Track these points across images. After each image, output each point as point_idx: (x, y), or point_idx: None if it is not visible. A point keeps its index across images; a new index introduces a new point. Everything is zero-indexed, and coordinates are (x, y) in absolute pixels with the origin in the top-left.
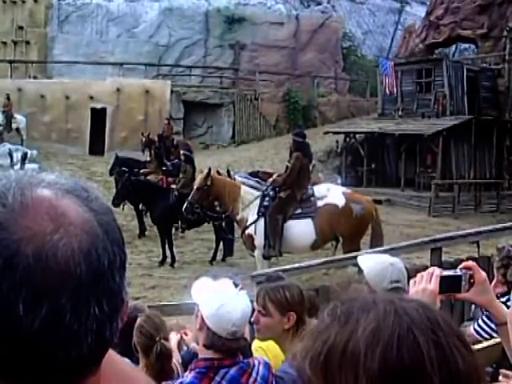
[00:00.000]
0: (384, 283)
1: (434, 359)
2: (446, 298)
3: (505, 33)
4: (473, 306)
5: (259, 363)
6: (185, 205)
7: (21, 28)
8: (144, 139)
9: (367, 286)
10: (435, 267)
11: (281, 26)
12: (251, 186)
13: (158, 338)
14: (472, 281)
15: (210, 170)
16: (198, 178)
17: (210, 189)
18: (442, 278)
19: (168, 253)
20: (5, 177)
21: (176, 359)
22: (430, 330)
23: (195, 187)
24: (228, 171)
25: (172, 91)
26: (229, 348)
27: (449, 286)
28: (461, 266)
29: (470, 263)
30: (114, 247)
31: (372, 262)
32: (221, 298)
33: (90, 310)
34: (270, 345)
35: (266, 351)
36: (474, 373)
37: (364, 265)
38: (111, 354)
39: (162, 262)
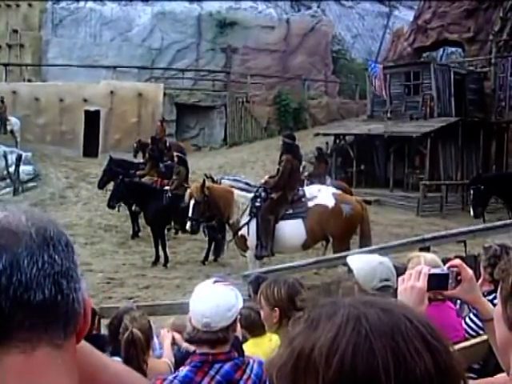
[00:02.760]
0: (374, 282)
1: (391, 367)
2: (433, 295)
3: (491, 37)
4: (458, 303)
5: (254, 361)
6: (188, 224)
7: (15, 32)
8: (135, 144)
9: (357, 286)
10: (423, 265)
11: (272, 30)
12: (241, 189)
13: (130, 327)
14: (459, 278)
15: (204, 181)
16: (193, 190)
17: (209, 199)
18: (430, 276)
19: (161, 253)
20: None
21: (169, 358)
22: (390, 336)
23: (193, 201)
24: (210, 176)
25: (165, 94)
26: (205, 340)
27: (436, 283)
28: (448, 265)
29: (457, 261)
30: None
31: (361, 262)
32: (197, 292)
33: (45, 258)
34: (264, 341)
35: (257, 348)
36: (442, 374)
37: (354, 264)
38: (105, 359)
39: (155, 262)
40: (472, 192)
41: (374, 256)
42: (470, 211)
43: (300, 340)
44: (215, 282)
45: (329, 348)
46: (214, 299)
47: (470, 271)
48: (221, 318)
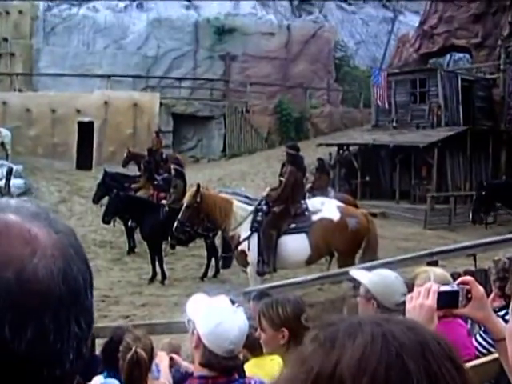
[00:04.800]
0: (395, 297)
1: None
2: (443, 313)
3: (499, 42)
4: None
5: (255, 383)
6: (175, 224)
7: (5, 40)
8: (126, 154)
9: (374, 302)
10: (432, 282)
11: (272, 37)
12: (241, 202)
13: (134, 347)
14: (469, 296)
15: (198, 186)
16: (187, 195)
17: (200, 206)
18: (440, 294)
19: (158, 269)
20: None
21: (167, 379)
22: (421, 354)
23: (184, 205)
24: (206, 189)
25: (161, 104)
26: (225, 366)
27: (446, 301)
28: (458, 281)
29: (468, 278)
30: (84, 266)
31: (376, 277)
32: (218, 316)
33: (71, 329)
34: (266, 362)
35: (259, 369)
36: None
37: (366, 280)
38: None
39: (152, 279)
40: (474, 197)
41: (385, 270)
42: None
43: (316, 360)
44: (232, 301)
45: (357, 367)
46: (238, 325)
47: (481, 288)
48: (241, 344)
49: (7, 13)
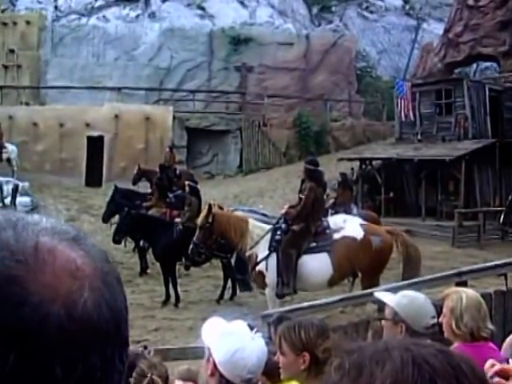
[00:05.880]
0: (425, 320)
1: None
2: None
3: None
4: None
5: None
6: (190, 246)
7: (12, 51)
8: (136, 171)
9: (402, 326)
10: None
11: (290, 47)
12: (257, 220)
13: (149, 374)
14: None
15: (210, 206)
16: (200, 215)
17: (213, 226)
18: None
19: (172, 292)
20: (1, 226)
21: None
22: (454, 377)
23: (198, 226)
24: (220, 207)
25: (174, 117)
26: None
27: None
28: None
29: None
30: (123, 294)
31: (404, 299)
32: (235, 343)
33: (115, 363)
34: None
35: None
36: None
37: (393, 302)
38: None
39: (166, 302)
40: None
41: (412, 292)
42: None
43: None
44: (250, 326)
45: None
46: (256, 352)
47: None
48: (260, 372)
49: (14, 23)
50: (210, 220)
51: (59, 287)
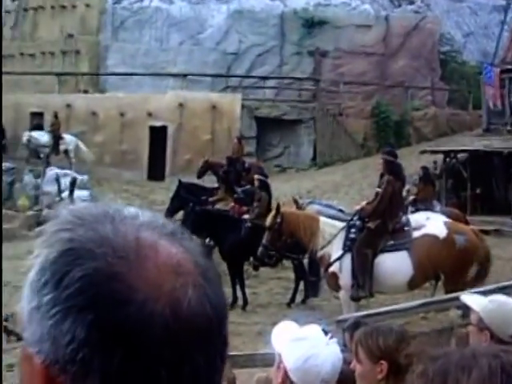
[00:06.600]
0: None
1: None
2: None
3: None
4: None
5: None
6: (259, 249)
7: (70, 36)
8: (201, 164)
9: (486, 333)
10: None
11: (368, 30)
12: (332, 217)
13: None
14: None
15: (278, 205)
16: (268, 216)
17: (282, 227)
18: None
19: (239, 294)
20: (98, 219)
21: None
22: None
23: (267, 227)
24: (295, 200)
25: (243, 106)
26: None
27: None
28: None
29: None
30: (222, 290)
31: (492, 304)
32: (308, 349)
33: (217, 363)
34: None
35: None
36: None
37: (479, 307)
38: None
39: (233, 305)
40: None
41: (502, 297)
42: None
43: None
44: (324, 331)
45: None
46: (331, 359)
47: None
48: (334, 380)
49: (73, 6)
50: (279, 220)
51: (163, 284)
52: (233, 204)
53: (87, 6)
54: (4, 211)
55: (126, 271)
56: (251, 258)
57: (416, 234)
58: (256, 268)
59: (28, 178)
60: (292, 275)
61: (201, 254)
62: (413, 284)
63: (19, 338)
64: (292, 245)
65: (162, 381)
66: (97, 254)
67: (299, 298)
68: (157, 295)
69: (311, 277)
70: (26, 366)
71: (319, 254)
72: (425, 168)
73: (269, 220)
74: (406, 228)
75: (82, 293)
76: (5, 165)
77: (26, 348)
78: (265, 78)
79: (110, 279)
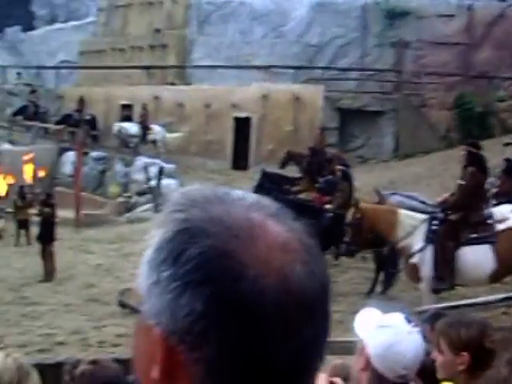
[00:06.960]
0: None
1: None
2: None
3: None
4: None
5: None
6: (342, 246)
7: (158, 31)
8: (284, 155)
9: None
10: None
11: (451, 19)
12: (414, 208)
13: None
14: None
15: (357, 201)
16: (348, 213)
17: (362, 223)
18: None
19: None
20: (209, 200)
21: None
22: None
23: (347, 224)
24: (378, 191)
25: (325, 97)
26: None
27: None
28: None
29: None
30: (326, 267)
31: None
32: (392, 336)
33: (321, 339)
34: None
35: None
36: None
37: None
38: None
39: None
40: None
41: None
42: None
43: None
44: (408, 319)
45: None
46: (413, 347)
47: None
48: (416, 368)
49: (160, 2)
50: (359, 216)
51: (272, 262)
52: (315, 194)
53: (174, 1)
54: (96, 197)
55: (238, 249)
56: (333, 247)
57: (500, 226)
58: (337, 257)
59: (118, 167)
60: (371, 265)
61: (304, 233)
62: (494, 277)
63: (134, 311)
64: (373, 240)
65: (271, 351)
66: (211, 232)
67: (379, 288)
68: (267, 272)
69: (391, 268)
70: (144, 337)
71: (400, 245)
72: (508, 160)
73: (349, 217)
74: (489, 221)
75: (200, 269)
76: (97, 154)
77: (145, 320)
78: (347, 70)
79: (224, 256)
